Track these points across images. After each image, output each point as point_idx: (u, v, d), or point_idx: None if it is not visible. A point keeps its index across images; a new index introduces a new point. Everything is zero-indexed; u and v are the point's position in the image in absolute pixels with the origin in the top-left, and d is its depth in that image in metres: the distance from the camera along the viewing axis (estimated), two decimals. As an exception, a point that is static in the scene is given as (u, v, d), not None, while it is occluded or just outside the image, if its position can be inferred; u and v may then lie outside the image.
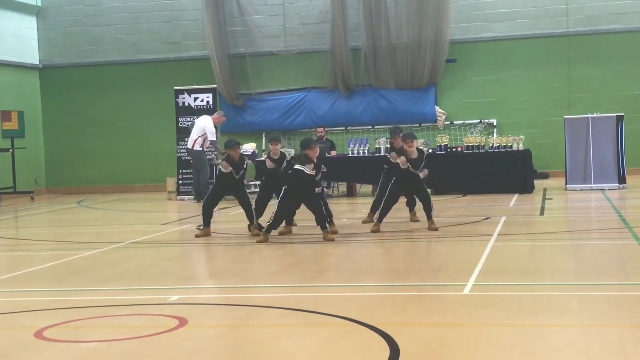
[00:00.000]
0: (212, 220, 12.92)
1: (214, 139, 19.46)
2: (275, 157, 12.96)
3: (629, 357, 5.77)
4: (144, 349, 6.43)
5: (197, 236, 12.71)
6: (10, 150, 22.38)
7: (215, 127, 19.71)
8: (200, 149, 19.31)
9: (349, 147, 19.75)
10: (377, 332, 6.50)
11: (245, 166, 12.92)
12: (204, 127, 19.32)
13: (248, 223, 12.76)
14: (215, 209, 13.37)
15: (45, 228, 16.52)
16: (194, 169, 19.82)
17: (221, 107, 22.60)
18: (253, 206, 12.80)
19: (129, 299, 8.28)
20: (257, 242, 11.91)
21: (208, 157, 19.70)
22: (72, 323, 7.27)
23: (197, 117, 20.21)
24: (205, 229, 12.78)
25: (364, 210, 15.09)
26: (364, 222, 13.75)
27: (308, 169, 11.82)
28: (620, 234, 11.71)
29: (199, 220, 13.16)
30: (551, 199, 16.91)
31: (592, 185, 18.30)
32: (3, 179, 21.47)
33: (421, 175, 12.77)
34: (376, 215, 12.89)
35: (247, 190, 13.14)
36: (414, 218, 13.71)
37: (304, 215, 14.40)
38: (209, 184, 19.82)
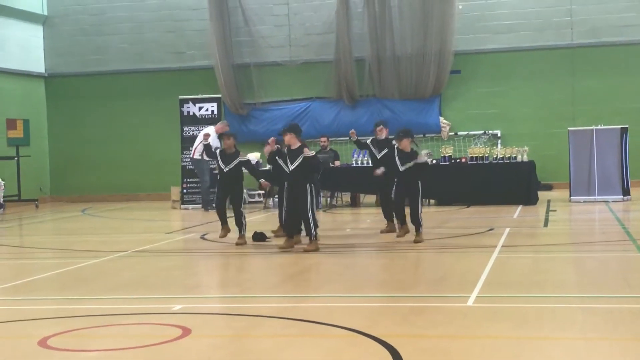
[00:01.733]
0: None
1: (217, 145, 19.48)
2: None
3: (632, 370, 5.78)
4: (147, 358, 6.44)
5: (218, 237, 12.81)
6: (15, 158, 22.43)
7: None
8: (200, 157, 19.36)
9: (353, 157, 19.76)
10: (381, 343, 6.50)
11: (236, 161, 12.71)
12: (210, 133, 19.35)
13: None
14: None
15: (50, 236, 16.54)
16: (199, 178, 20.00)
17: (225, 117, 22.67)
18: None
19: (132, 308, 8.29)
20: (305, 250, 11.68)
21: (211, 165, 19.75)
22: (76, 332, 7.28)
23: (202, 127, 20.35)
24: (224, 227, 12.89)
25: (367, 221, 15.13)
26: (383, 232, 13.63)
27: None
28: (623, 246, 11.70)
29: (204, 229, 13.20)
30: (555, 210, 16.90)
31: (596, 197, 18.29)
32: (8, 186, 21.52)
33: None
34: (396, 223, 12.94)
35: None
36: (388, 229, 13.50)
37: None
38: (209, 192, 19.99)
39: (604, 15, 21.91)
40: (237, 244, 12.59)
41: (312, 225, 11.68)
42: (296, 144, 11.88)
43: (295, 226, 12.03)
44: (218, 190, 13.17)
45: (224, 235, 12.91)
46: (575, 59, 22.10)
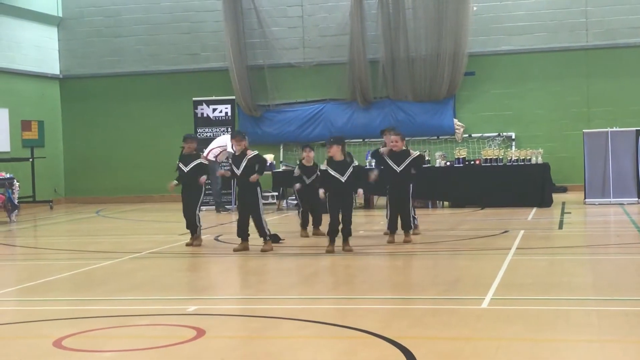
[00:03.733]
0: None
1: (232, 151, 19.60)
2: (309, 165, 13.99)
3: (648, 373, 5.74)
4: (161, 359, 6.45)
5: (187, 245, 13.09)
6: (30, 160, 22.53)
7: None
8: (214, 159, 19.47)
9: (366, 159, 19.74)
10: (395, 345, 6.49)
11: (194, 164, 13.04)
12: (225, 142, 19.51)
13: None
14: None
15: (64, 237, 16.60)
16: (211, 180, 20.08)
17: (239, 118, 22.79)
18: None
19: (146, 309, 8.31)
20: (262, 250, 12.03)
21: (225, 167, 19.82)
22: (91, 333, 7.31)
23: (215, 128, 20.52)
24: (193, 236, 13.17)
25: (381, 223, 15.07)
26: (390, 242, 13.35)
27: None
28: (639, 249, 11.64)
29: (217, 230, 13.24)
30: (570, 213, 16.83)
31: (611, 199, 18.21)
32: (23, 187, 21.61)
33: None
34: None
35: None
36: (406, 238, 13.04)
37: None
38: (221, 193, 20.16)
39: (619, 17, 21.81)
40: (187, 245, 13.01)
41: (264, 226, 12.13)
42: (240, 150, 12.45)
43: (246, 229, 12.32)
44: (183, 193, 13.32)
45: (196, 244, 13.04)
46: (590, 60, 22.00)
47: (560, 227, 14.67)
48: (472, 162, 19.25)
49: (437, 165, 19.38)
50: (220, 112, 21.63)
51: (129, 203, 23.71)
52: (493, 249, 12.00)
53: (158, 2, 24.18)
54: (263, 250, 12.10)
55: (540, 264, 10.72)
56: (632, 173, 18.26)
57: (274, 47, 23.39)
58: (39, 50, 24.09)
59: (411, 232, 12.86)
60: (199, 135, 21.44)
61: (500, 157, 19.02)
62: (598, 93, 21.93)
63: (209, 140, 20.50)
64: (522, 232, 13.67)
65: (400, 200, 12.76)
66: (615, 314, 7.55)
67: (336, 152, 11.98)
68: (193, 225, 13.03)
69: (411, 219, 12.92)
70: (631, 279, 9.37)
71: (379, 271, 10.90)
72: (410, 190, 12.78)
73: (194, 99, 21.87)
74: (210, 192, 20.51)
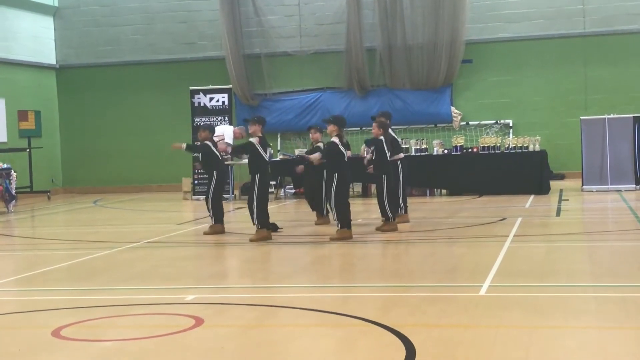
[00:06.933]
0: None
1: (230, 142, 19.56)
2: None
3: (646, 359, 5.75)
4: (160, 348, 6.46)
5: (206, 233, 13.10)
6: (27, 150, 22.50)
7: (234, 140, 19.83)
8: None
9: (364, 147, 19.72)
10: (393, 333, 6.50)
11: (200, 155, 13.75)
12: (223, 131, 19.47)
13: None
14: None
15: (62, 227, 16.61)
16: None
17: (236, 108, 22.76)
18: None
19: (145, 299, 8.31)
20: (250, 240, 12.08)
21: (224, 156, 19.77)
22: (89, 322, 7.31)
23: (213, 117, 20.47)
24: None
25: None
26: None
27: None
28: (636, 235, 11.66)
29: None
30: (567, 200, 16.86)
31: (609, 186, 18.23)
32: (20, 178, 21.59)
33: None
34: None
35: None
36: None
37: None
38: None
39: (617, 4, 21.76)
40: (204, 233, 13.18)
41: (254, 215, 12.09)
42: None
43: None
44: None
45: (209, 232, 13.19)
46: (588, 47, 21.97)
47: (558, 214, 14.69)
48: (470, 150, 19.25)
49: (435, 153, 19.38)
50: (217, 101, 21.58)
51: (127, 193, 23.70)
52: (491, 236, 12.02)
53: (154, -9, 24.14)
54: (251, 240, 12.10)
55: (538, 251, 10.74)
56: (630, 160, 18.27)
57: (271, 36, 23.34)
58: (35, 40, 24.03)
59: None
60: (196, 124, 21.37)
61: (498, 144, 19.02)
62: (595, 80, 21.91)
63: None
64: (519, 219, 13.68)
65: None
66: (613, 301, 7.56)
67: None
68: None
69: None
70: (629, 266, 9.38)
71: (377, 259, 10.91)
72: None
73: (191, 88, 21.83)
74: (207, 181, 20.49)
